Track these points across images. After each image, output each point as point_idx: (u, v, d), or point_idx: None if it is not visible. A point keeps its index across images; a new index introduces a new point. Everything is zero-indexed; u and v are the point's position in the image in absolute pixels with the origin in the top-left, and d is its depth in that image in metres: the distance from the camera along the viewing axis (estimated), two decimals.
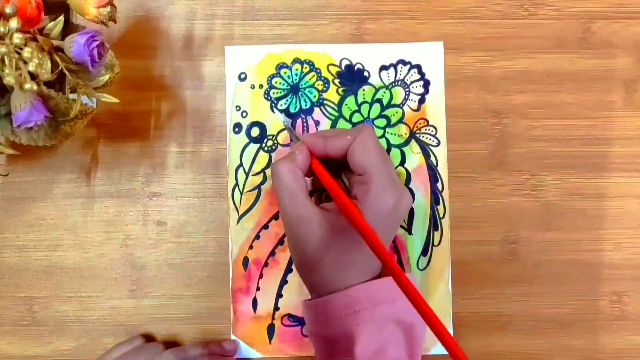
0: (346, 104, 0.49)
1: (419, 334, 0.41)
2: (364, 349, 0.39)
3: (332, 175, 0.41)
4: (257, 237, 0.48)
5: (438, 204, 0.49)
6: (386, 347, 0.39)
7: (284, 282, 0.49)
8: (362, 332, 0.39)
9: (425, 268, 0.48)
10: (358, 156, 0.41)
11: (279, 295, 0.48)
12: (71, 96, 0.40)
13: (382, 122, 0.49)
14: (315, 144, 0.42)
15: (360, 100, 0.49)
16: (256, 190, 0.49)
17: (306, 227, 0.40)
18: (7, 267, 0.49)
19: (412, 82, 0.49)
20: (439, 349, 0.48)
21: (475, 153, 0.49)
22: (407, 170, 0.49)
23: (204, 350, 0.47)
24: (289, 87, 0.49)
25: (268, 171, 0.49)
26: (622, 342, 0.49)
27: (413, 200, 0.48)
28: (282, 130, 0.49)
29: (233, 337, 0.48)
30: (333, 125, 0.49)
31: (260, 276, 0.48)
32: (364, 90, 0.49)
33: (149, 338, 0.48)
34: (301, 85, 0.49)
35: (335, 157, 0.42)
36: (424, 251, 0.48)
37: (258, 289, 0.48)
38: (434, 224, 0.48)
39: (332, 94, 0.49)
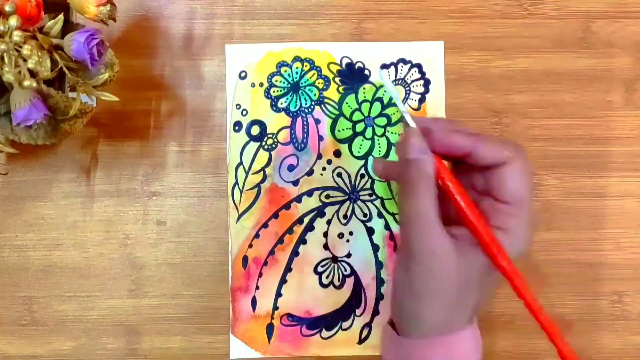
0: (347, 103, 0.49)
1: None
2: None
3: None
4: (257, 235, 0.48)
5: None
6: None
7: (283, 281, 0.48)
8: None
9: None
10: (517, 183, 0.34)
11: (278, 294, 0.48)
12: (71, 94, 0.40)
13: (382, 120, 0.49)
14: (460, 144, 0.34)
15: (360, 98, 0.49)
16: (256, 189, 0.49)
17: (439, 261, 0.34)
18: (6, 266, 0.48)
19: (412, 81, 0.49)
20: None
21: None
22: None
23: None
24: (289, 85, 0.49)
25: (268, 169, 0.49)
26: (623, 342, 0.49)
27: None
28: (282, 128, 0.49)
29: (232, 336, 0.48)
30: (334, 124, 0.49)
31: (260, 275, 0.48)
32: (364, 88, 0.49)
33: None
34: (301, 83, 0.49)
35: (474, 164, 0.35)
36: None
37: (257, 288, 0.48)
38: None
39: (333, 92, 0.49)
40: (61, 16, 0.38)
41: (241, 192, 0.49)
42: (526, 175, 0.34)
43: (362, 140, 0.49)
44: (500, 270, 0.33)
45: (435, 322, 0.35)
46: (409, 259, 0.35)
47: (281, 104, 0.49)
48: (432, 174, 0.34)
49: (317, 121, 0.49)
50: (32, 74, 0.35)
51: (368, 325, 0.48)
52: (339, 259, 0.49)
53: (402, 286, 0.36)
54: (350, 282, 0.49)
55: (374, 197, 0.48)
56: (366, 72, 0.49)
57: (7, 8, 0.34)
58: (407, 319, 0.36)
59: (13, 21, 0.34)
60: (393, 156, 0.48)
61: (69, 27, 0.39)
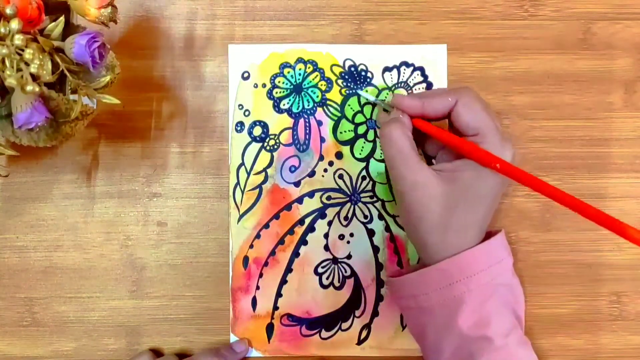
0: (349, 105, 0.49)
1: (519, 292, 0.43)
2: (468, 317, 0.40)
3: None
4: (258, 236, 0.48)
5: None
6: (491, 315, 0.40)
7: (283, 281, 0.49)
8: (471, 298, 0.40)
9: None
10: (467, 118, 0.40)
11: (279, 294, 0.49)
12: (72, 97, 0.40)
13: None
14: (411, 105, 0.42)
15: (363, 100, 0.49)
16: (257, 190, 0.49)
17: (424, 190, 0.40)
18: (7, 268, 0.48)
19: (415, 84, 0.49)
20: None
21: None
22: None
23: (216, 358, 0.46)
24: (292, 86, 0.49)
25: (269, 170, 0.49)
26: (622, 342, 0.49)
27: None
28: (284, 129, 0.49)
29: (232, 335, 0.48)
30: (336, 126, 0.49)
31: (260, 275, 0.48)
32: (366, 91, 0.49)
33: (157, 353, 0.48)
34: (304, 85, 0.49)
35: (432, 119, 0.42)
36: None
37: (258, 288, 0.48)
38: None
39: (335, 94, 0.49)
40: (62, 18, 0.38)
41: (242, 192, 0.49)
42: (475, 104, 0.41)
43: (364, 142, 0.49)
44: (496, 169, 0.39)
45: (439, 243, 0.41)
46: (400, 196, 0.42)
47: (284, 105, 0.49)
48: (406, 125, 0.42)
49: (319, 123, 0.49)
50: (34, 77, 0.35)
51: (367, 326, 0.49)
52: (340, 260, 0.49)
53: (404, 221, 0.44)
54: (350, 283, 0.49)
55: (374, 199, 0.49)
56: (369, 74, 0.49)
57: (8, 11, 0.34)
58: (418, 248, 0.43)
59: (14, 24, 0.34)
60: None
61: (70, 29, 0.39)
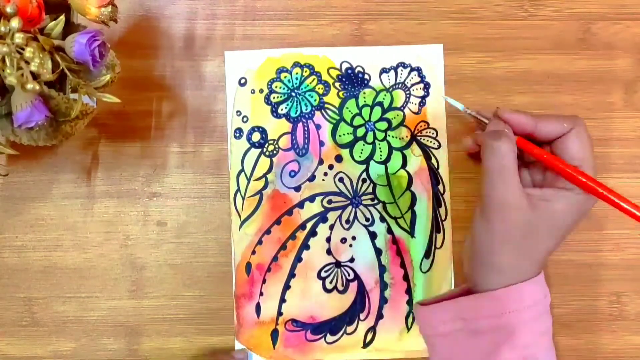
0: (347, 108, 0.49)
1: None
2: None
3: None
4: (260, 242, 0.48)
5: (440, 206, 0.49)
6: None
7: (287, 287, 0.48)
8: (522, 331, 0.39)
9: (428, 270, 0.48)
10: (576, 149, 0.40)
11: (282, 300, 0.48)
12: (72, 96, 0.40)
13: (383, 125, 0.49)
14: (524, 123, 0.41)
15: (361, 103, 0.49)
16: (258, 196, 0.48)
17: (512, 212, 0.39)
18: (6, 267, 0.48)
19: (412, 85, 0.49)
20: None
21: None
22: (408, 173, 0.49)
23: None
24: (289, 91, 0.49)
25: (269, 176, 0.48)
26: (621, 342, 0.49)
27: (414, 203, 0.49)
28: (283, 134, 0.49)
29: (237, 343, 0.48)
30: (334, 129, 0.49)
31: (264, 281, 0.48)
32: (364, 93, 0.49)
33: None
34: (302, 89, 0.49)
35: (540, 141, 0.42)
36: (427, 254, 0.48)
37: (261, 294, 0.48)
38: (436, 226, 0.48)
39: (333, 98, 0.49)
40: (62, 17, 0.38)
41: (243, 198, 0.48)
42: (586, 137, 0.41)
43: (363, 144, 0.49)
44: (584, 187, 0.40)
45: (507, 266, 0.40)
46: (485, 210, 0.41)
47: (281, 110, 0.49)
48: (513, 141, 0.40)
49: (318, 126, 0.49)
50: (34, 75, 0.35)
51: (372, 329, 0.49)
52: (342, 263, 0.49)
53: (480, 236, 0.41)
54: (353, 286, 0.49)
55: (375, 201, 0.48)
56: (366, 76, 0.49)
57: (9, 9, 0.34)
58: (484, 266, 0.41)
59: (15, 23, 0.34)
60: (394, 160, 0.48)
61: (70, 28, 0.39)
